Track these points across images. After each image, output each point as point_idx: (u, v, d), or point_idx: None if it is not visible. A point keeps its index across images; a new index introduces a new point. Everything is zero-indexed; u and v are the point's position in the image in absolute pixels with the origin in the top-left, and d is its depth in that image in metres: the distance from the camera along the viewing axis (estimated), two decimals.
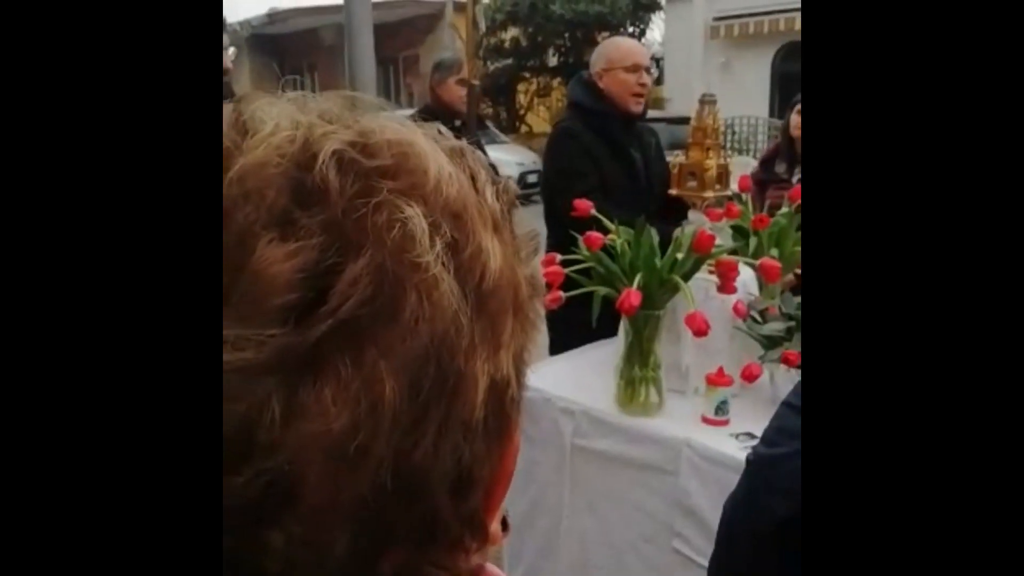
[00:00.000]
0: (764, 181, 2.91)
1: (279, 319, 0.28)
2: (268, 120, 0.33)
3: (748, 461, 0.97)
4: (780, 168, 3.04)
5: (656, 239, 1.72)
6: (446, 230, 0.32)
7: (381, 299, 0.29)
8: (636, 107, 2.47)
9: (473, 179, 0.35)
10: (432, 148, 0.34)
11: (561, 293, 1.70)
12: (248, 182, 0.30)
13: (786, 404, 0.94)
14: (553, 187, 2.54)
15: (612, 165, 2.44)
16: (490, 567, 0.40)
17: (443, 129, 0.37)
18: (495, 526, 0.37)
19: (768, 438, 0.94)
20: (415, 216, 0.30)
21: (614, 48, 2.52)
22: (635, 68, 2.43)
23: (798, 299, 1.86)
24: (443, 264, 0.31)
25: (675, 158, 2.10)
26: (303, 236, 0.29)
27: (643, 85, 2.46)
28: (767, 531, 0.89)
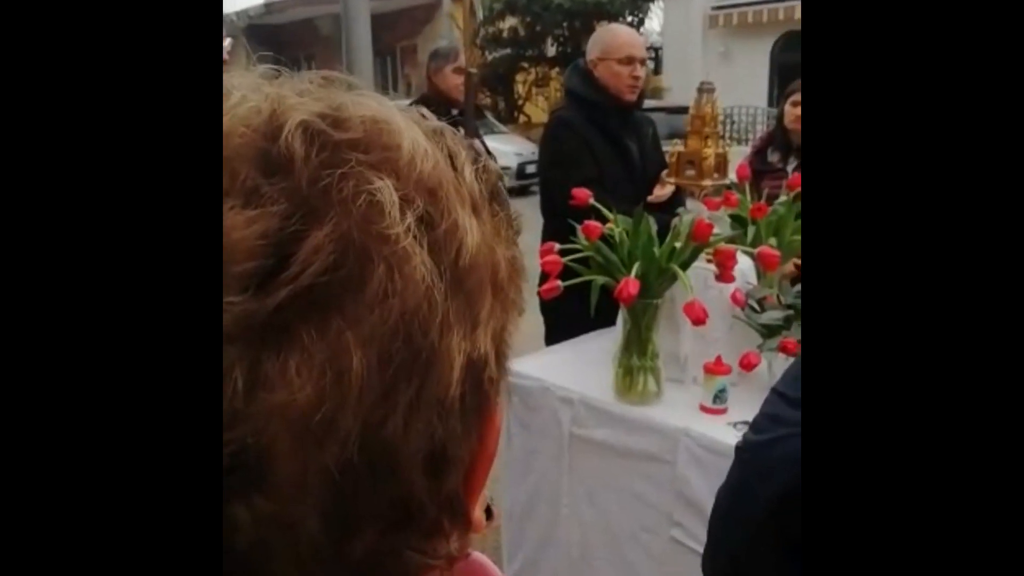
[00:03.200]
0: (759, 171, 2.89)
1: (239, 286, 0.27)
2: (235, 91, 0.32)
3: (738, 449, 0.97)
4: (774, 158, 3.02)
5: (654, 228, 1.72)
6: (419, 204, 0.31)
7: (346, 268, 0.28)
8: (630, 95, 2.45)
9: (452, 158, 0.34)
10: (408, 125, 0.33)
11: (559, 282, 1.71)
12: None
13: (774, 391, 0.94)
14: (549, 178, 2.53)
15: (608, 155, 2.43)
16: (476, 554, 0.39)
17: (426, 112, 0.36)
18: (478, 513, 0.36)
19: (757, 425, 0.95)
20: (384, 188, 0.30)
21: (610, 37, 2.50)
22: (629, 60, 2.42)
23: (796, 288, 1.86)
24: (415, 238, 0.30)
25: (673, 146, 2.09)
26: (265, 203, 0.29)
27: (636, 78, 2.44)
28: (758, 517, 0.89)
